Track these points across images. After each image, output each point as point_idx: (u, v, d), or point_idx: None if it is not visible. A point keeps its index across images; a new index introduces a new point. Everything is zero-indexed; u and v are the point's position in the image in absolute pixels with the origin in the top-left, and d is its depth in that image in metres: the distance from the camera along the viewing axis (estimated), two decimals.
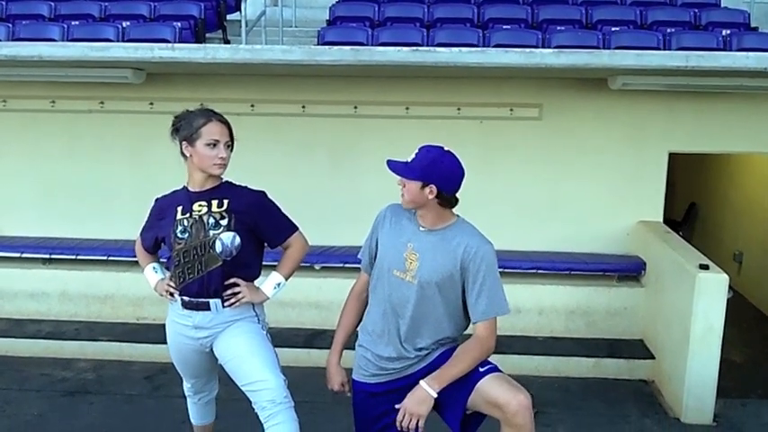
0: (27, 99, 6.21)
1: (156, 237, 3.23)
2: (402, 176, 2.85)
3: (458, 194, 2.90)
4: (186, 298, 3.11)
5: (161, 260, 3.41)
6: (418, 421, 2.79)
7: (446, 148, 2.88)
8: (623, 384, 5.36)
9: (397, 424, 2.82)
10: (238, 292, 3.10)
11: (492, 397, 2.76)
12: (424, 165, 2.82)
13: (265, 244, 3.26)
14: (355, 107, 6.00)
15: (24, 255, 6.09)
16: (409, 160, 2.86)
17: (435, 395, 2.78)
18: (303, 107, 6.03)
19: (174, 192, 3.23)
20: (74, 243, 6.17)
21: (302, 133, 6.11)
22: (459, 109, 5.96)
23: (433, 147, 2.88)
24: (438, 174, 2.81)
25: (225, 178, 3.19)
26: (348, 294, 3.20)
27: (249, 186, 3.20)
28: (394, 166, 2.87)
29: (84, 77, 5.61)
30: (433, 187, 2.81)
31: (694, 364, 4.69)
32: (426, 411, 2.79)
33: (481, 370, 2.86)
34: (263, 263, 3.33)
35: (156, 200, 3.30)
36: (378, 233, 3.05)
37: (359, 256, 3.18)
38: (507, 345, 5.56)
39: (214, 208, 3.08)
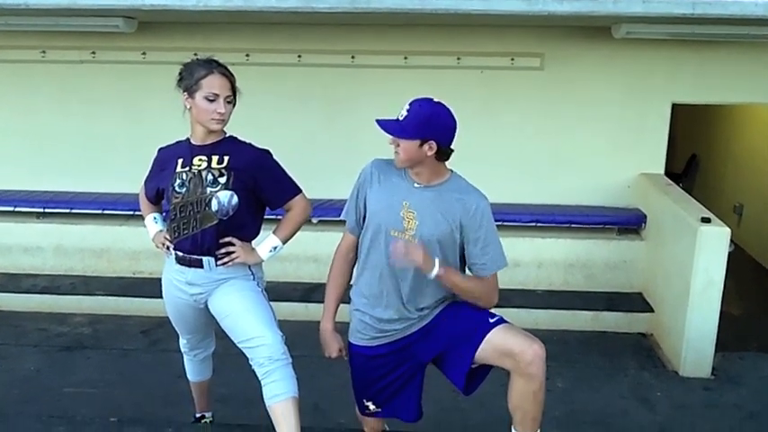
0: (17, 49, 6.08)
1: (158, 187, 3.13)
2: (398, 137, 2.71)
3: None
4: (180, 253, 3.05)
5: (164, 211, 3.32)
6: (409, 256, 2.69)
7: (436, 100, 2.75)
8: (622, 338, 5.37)
9: (391, 248, 2.74)
10: (232, 252, 3.03)
11: (506, 346, 2.70)
12: (419, 121, 2.68)
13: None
14: (353, 57, 5.88)
15: (18, 208, 6.04)
16: (401, 118, 2.71)
17: (435, 272, 2.71)
18: (299, 57, 5.91)
19: (178, 143, 3.13)
20: (68, 196, 6.10)
21: (298, 83, 6.00)
22: (459, 58, 5.85)
23: (424, 100, 2.74)
24: (435, 128, 2.69)
25: (229, 133, 3.09)
26: (333, 257, 3.09)
27: (254, 144, 3.09)
28: (387, 126, 2.73)
29: (74, 26, 5.46)
30: (433, 143, 2.69)
31: (694, 317, 4.68)
32: (417, 263, 2.69)
33: (491, 321, 2.80)
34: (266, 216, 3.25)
35: (159, 149, 3.20)
36: (366, 192, 2.92)
37: (343, 217, 3.04)
38: (506, 298, 5.50)
39: (214, 164, 2.98)
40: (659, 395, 4.54)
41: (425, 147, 2.70)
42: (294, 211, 3.13)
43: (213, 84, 2.92)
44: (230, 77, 2.98)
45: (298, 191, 3.12)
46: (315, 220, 5.68)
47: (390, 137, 2.74)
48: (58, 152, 6.27)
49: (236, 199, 2.95)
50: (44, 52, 6.07)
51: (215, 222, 2.96)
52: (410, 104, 2.72)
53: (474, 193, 2.81)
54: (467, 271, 2.90)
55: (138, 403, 4.26)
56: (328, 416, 4.07)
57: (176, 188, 2.98)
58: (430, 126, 2.68)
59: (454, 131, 2.75)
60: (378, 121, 2.74)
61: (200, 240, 2.98)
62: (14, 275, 5.95)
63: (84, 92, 6.19)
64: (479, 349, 2.75)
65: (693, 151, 9.23)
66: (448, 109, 2.74)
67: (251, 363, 2.97)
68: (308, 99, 6.03)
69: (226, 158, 2.97)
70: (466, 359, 2.77)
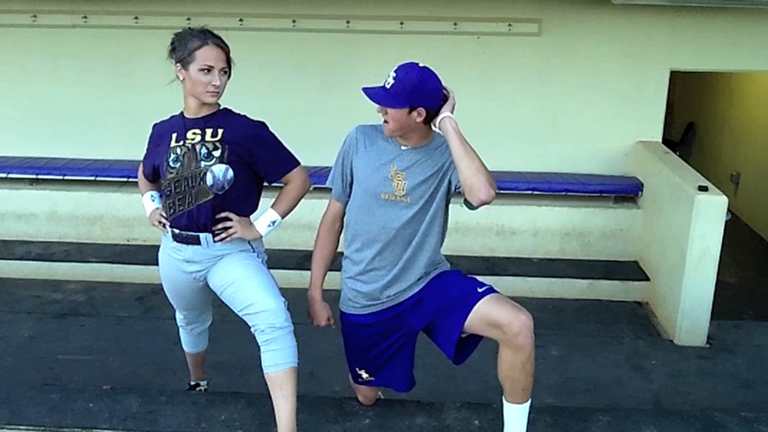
0: (7, 13, 5.98)
1: (154, 164, 3.05)
2: (386, 105, 2.68)
3: None
4: (176, 230, 3.00)
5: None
6: None
7: (421, 64, 2.70)
8: (617, 306, 5.37)
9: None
10: (230, 227, 2.99)
11: (493, 317, 2.68)
12: (407, 89, 2.64)
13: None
14: (348, 22, 5.80)
15: (11, 175, 5.99)
16: (387, 86, 2.67)
17: (444, 115, 2.67)
18: (293, 22, 5.82)
19: (172, 117, 3.06)
20: (61, 163, 6.05)
21: (292, 49, 5.92)
22: (455, 24, 5.77)
23: (410, 66, 2.69)
24: (423, 94, 2.66)
25: (223, 105, 3.01)
26: (319, 226, 3.07)
27: (248, 116, 3.02)
28: (374, 94, 2.69)
29: None
30: (422, 110, 2.66)
31: (689, 286, 4.68)
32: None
33: (480, 290, 2.78)
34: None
35: (154, 126, 3.13)
36: (351, 158, 2.90)
37: (328, 184, 3.02)
38: (502, 266, 5.56)
39: (208, 137, 2.91)
40: (654, 363, 4.55)
41: (414, 114, 2.67)
42: (293, 184, 3.07)
43: (208, 55, 2.84)
44: (225, 48, 2.90)
45: (295, 163, 3.06)
46: (310, 188, 5.64)
47: (378, 105, 2.70)
48: (50, 118, 6.20)
49: (231, 173, 2.89)
50: (35, 16, 5.98)
51: (210, 197, 2.91)
52: (396, 71, 2.68)
53: None
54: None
55: (132, 371, 4.25)
56: (323, 384, 4.07)
57: (171, 163, 2.92)
58: (417, 93, 2.65)
59: (441, 95, 2.72)
60: (364, 89, 2.70)
61: (195, 216, 2.93)
62: (8, 242, 5.92)
63: (77, 57, 6.10)
64: (467, 319, 2.73)
65: (691, 119, 9.20)
66: (433, 72, 2.70)
67: (252, 329, 2.93)
68: (303, 65, 5.96)
69: (220, 131, 2.91)
70: (455, 329, 2.75)
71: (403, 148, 2.80)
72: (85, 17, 5.94)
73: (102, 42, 6.03)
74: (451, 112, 2.70)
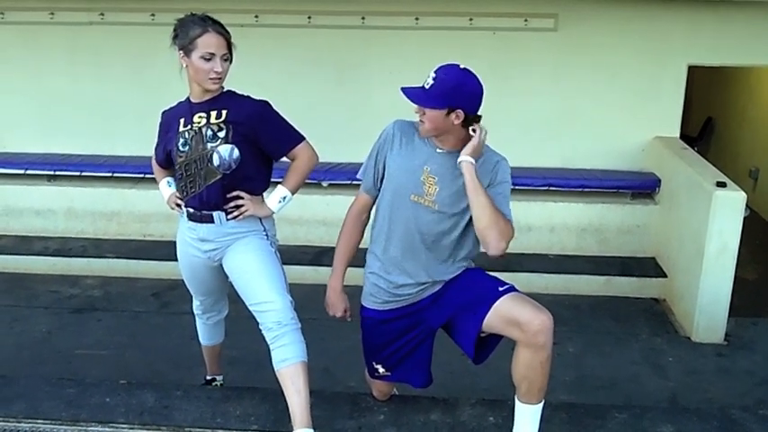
0: (25, 11, 6.03)
1: (165, 150, 3.11)
2: (425, 106, 2.64)
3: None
4: (191, 210, 3.05)
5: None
6: None
7: (462, 66, 2.67)
8: (634, 303, 5.33)
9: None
10: (241, 205, 3.01)
11: (513, 316, 2.65)
12: (446, 90, 2.60)
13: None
14: (363, 18, 5.78)
15: (29, 171, 6.05)
16: (426, 86, 2.64)
17: (464, 159, 2.64)
18: (309, 18, 5.83)
19: (179, 103, 3.11)
20: (78, 159, 6.10)
21: (308, 45, 5.93)
22: (471, 19, 5.74)
23: (450, 67, 2.66)
24: (462, 97, 2.62)
25: (227, 87, 3.04)
26: (345, 216, 3.05)
27: (252, 96, 3.06)
28: (412, 94, 2.66)
29: None
30: (460, 112, 2.62)
31: (707, 283, 4.64)
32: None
33: (500, 289, 2.76)
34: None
35: (163, 113, 3.18)
36: (385, 153, 2.86)
37: (359, 176, 3.00)
38: (517, 262, 5.52)
39: (212, 119, 2.95)
40: (671, 360, 4.52)
41: (452, 116, 2.63)
42: (300, 159, 3.09)
43: (209, 43, 2.87)
44: (226, 35, 2.93)
45: (300, 139, 3.07)
46: (325, 184, 5.66)
47: (416, 105, 2.68)
48: (67, 115, 6.25)
49: (237, 152, 2.93)
50: (52, 14, 6.01)
51: (219, 177, 2.95)
52: (436, 72, 2.65)
53: (495, 153, 2.80)
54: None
55: (148, 365, 4.28)
56: (338, 379, 4.08)
57: (180, 147, 2.98)
58: (456, 95, 2.61)
59: (481, 98, 2.69)
60: (403, 88, 2.67)
61: (206, 196, 2.98)
62: (26, 238, 5.98)
63: (93, 54, 6.14)
64: (487, 317, 2.71)
65: (709, 114, 9.12)
66: (475, 76, 2.67)
67: (260, 327, 2.96)
68: (318, 61, 5.96)
69: (224, 112, 2.95)
70: (474, 327, 2.73)
71: (438, 150, 2.76)
72: (102, 14, 5.98)
73: (118, 39, 6.06)
74: (472, 155, 2.66)
